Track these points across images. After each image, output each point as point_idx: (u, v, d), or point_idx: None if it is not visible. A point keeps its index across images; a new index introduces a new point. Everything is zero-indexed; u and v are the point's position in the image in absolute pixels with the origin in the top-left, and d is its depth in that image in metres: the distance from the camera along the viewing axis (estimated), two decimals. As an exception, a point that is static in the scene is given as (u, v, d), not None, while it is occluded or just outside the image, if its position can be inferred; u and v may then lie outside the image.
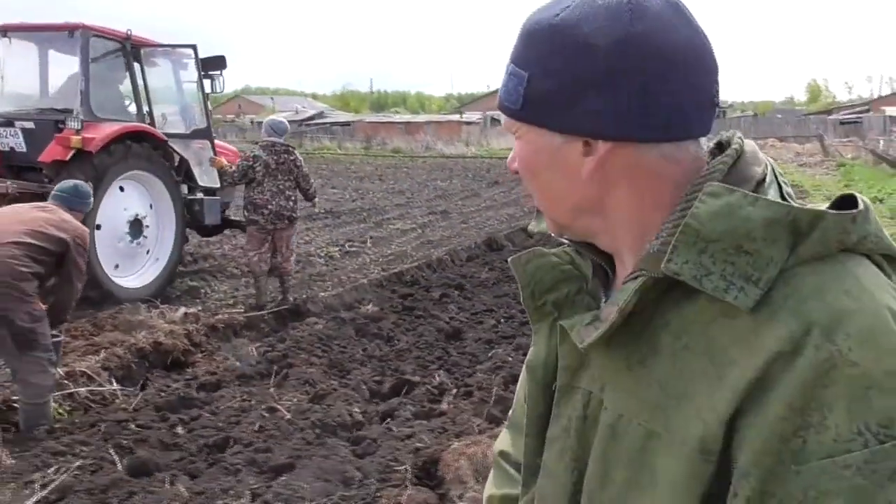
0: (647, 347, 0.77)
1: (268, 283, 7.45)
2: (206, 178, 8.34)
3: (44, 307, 4.50)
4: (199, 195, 8.39)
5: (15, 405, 4.56)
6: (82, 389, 5.04)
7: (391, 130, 47.43)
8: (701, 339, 0.72)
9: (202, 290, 8.23)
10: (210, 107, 8.38)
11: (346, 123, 51.51)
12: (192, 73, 8.23)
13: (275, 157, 7.05)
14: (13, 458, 4.06)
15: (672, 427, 0.72)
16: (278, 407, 4.83)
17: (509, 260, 0.96)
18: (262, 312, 7.07)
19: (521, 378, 1.08)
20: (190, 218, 8.24)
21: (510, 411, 1.17)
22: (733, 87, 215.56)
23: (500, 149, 35.92)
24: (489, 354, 6.01)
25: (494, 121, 46.89)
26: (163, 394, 5.18)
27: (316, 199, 7.83)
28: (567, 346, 0.86)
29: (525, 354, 1.00)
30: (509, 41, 0.86)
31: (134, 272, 7.60)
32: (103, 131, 7.15)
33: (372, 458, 4.11)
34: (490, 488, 1.12)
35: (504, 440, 1.14)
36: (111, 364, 5.53)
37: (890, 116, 40.05)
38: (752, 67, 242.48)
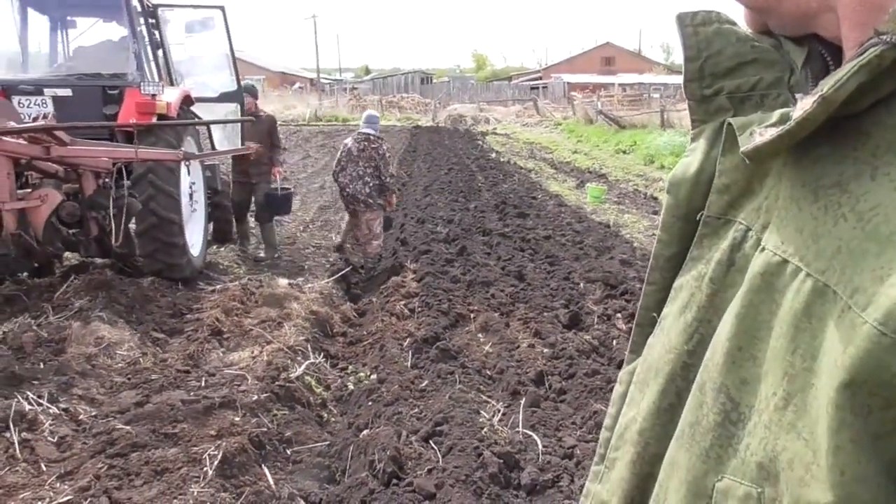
0: (860, 166, 0.45)
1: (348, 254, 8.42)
2: (227, 143, 8.02)
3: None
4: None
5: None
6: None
7: None
8: None
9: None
10: (238, 69, 7.95)
11: None
12: (220, 33, 7.72)
13: (357, 146, 7.51)
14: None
15: (859, 286, 0.42)
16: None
17: (676, 15, 0.61)
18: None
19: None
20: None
21: None
22: (403, 56, 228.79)
23: None
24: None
25: None
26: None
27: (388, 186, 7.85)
28: (731, 157, 0.56)
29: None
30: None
31: (193, 242, 7.20)
32: (171, 95, 6.70)
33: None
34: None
35: None
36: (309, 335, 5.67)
37: (567, 82, 47.02)
38: (419, 37, 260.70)
